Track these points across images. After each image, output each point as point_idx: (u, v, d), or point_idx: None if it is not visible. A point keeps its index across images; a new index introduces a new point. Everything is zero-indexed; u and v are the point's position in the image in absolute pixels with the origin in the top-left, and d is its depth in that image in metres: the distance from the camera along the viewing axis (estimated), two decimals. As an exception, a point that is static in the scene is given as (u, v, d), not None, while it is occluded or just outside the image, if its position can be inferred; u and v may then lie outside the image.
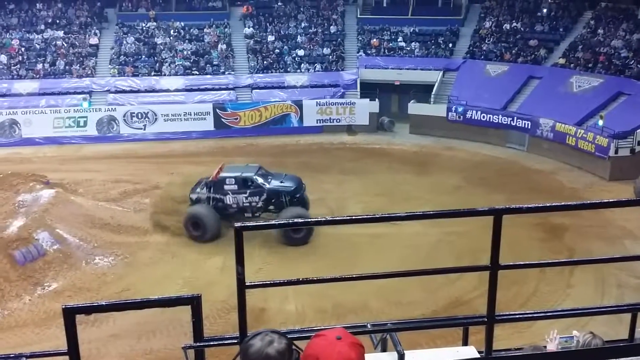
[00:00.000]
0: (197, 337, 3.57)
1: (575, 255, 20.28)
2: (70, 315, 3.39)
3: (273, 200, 22.07)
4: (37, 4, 39.88)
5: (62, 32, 38.66)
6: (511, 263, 3.65)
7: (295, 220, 4.19)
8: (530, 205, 3.49)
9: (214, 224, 21.67)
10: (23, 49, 37.53)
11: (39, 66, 36.43)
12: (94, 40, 38.32)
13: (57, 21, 39.31)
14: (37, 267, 19.85)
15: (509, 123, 32.75)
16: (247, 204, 22.05)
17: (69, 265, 20.33)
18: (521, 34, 37.45)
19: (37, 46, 37.77)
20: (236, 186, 21.98)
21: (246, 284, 3.32)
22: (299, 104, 35.29)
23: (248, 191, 21.98)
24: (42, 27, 38.81)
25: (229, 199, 22.02)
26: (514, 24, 38.06)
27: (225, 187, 21.99)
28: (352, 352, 2.68)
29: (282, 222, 4.00)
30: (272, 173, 23.35)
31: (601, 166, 28.14)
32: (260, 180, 22.24)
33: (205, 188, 22.29)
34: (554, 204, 3.59)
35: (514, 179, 28.03)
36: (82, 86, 35.69)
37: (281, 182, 22.62)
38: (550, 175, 28.98)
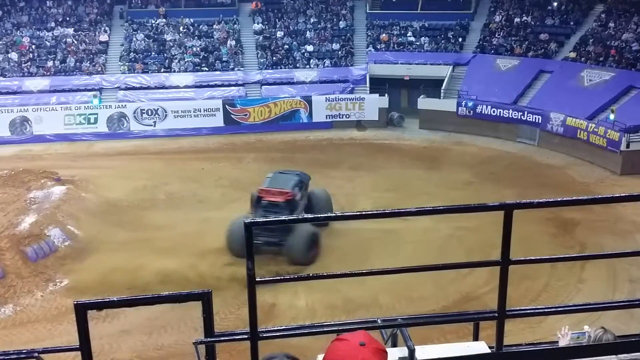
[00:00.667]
0: (207, 332, 3.57)
1: (586, 250, 20.19)
2: (81, 311, 3.41)
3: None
4: (47, 2, 40.04)
5: (72, 29, 38.80)
6: (522, 258, 3.63)
7: (305, 216, 4.22)
8: (541, 200, 3.47)
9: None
10: (34, 46, 37.71)
11: (50, 63, 36.61)
12: (103, 38, 38.46)
13: (67, 19, 39.47)
14: (48, 263, 20.00)
15: (519, 117, 32.59)
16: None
17: (80, 262, 20.45)
18: (531, 28, 37.22)
19: (48, 44, 37.95)
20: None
21: (256, 279, 3.32)
22: (308, 100, 35.28)
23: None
24: (52, 24, 38.97)
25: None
26: (524, 18, 37.84)
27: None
28: (376, 359, 2.63)
29: (293, 217, 4.00)
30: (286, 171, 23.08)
31: (612, 160, 27.97)
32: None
33: (280, 208, 20.55)
34: (565, 199, 3.55)
35: (525, 174, 27.91)
36: (93, 83, 35.84)
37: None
38: (561, 169, 28.84)
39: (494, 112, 33.32)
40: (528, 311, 3.99)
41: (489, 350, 3.80)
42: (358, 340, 2.65)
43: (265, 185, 21.44)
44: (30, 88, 35.17)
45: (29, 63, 36.61)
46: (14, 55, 36.80)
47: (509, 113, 32.91)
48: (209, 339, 3.59)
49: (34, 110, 33.81)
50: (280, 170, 23.19)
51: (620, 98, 30.40)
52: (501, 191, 24.72)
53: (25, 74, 36.16)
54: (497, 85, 34.09)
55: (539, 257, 3.84)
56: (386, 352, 2.72)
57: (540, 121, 31.70)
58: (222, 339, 3.70)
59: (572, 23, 36.62)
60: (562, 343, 4.31)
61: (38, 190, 24.10)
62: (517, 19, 37.93)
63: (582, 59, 33.79)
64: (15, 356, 3.94)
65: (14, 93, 34.97)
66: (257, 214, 20.56)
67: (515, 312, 3.77)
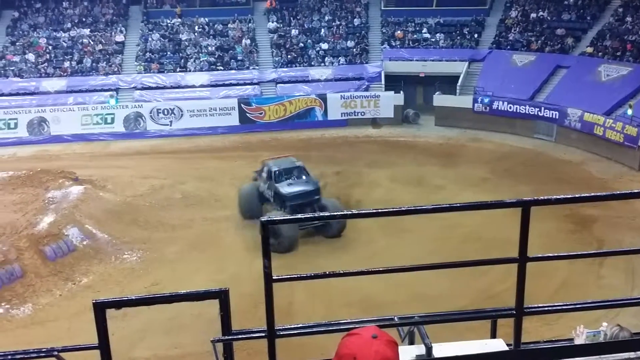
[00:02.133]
0: (225, 330, 3.59)
1: (604, 247, 20.01)
2: (100, 309, 3.43)
3: (280, 200, 22.10)
4: (64, 3, 40.39)
5: (89, 30, 39.11)
6: (540, 255, 3.61)
7: (321, 214, 4.21)
8: (558, 197, 3.44)
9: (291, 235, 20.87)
10: (50, 47, 38.05)
11: (66, 64, 36.91)
12: (119, 38, 38.72)
13: (84, 19, 39.78)
14: (67, 262, 20.16)
15: (536, 113, 32.37)
16: (267, 197, 22.45)
17: (99, 261, 20.62)
18: (548, 23, 36.93)
19: (64, 44, 38.27)
20: (265, 175, 22.71)
21: (273, 277, 3.33)
22: (323, 98, 35.28)
23: (268, 183, 22.41)
24: (69, 25, 39.30)
25: (261, 186, 22.87)
26: (541, 13, 37.54)
27: (262, 174, 22.83)
28: (389, 350, 2.66)
29: (309, 215, 4.00)
30: (300, 175, 22.76)
31: (630, 156, 27.70)
32: (277, 175, 22.31)
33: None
34: (582, 195, 3.53)
35: (542, 170, 27.71)
36: (109, 83, 36.10)
37: (289, 184, 22.17)
38: (578, 165, 28.61)
39: (510, 108, 33.12)
40: (546, 308, 3.97)
41: (506, 348, 3.79)
42: (370, 333, 2.70)
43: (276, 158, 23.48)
44: (47, 89, 35.49)
45: (46, 64, 36.94)
46: (31, 57, 37.16)
47: (525, 109, 32.69)
48: (226, 337, 3.61)
49: (51, 110, 34.11)
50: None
51: (638, 93, 30.05)
52: (518, 188, 24.57)
53: (43, 74, 36.49)
54: (513, 81, 33.87)
55: (556, 254, 3.82)
56: (397, 344, 2.75)
57: (557, 117, 31.46)
58: (240, 337, 3.72)
59: (588, 18, 36.28)
60: (578, 342, 4.28)
61: (56, 190, 24.31)
62: (533, 14, 37.64)
63: (599, 53, 33.47)
64: (35, 355, 3.98)
65: (32, 94, 35.31)
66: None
67: (533, 310, 3.75)
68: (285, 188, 21.64)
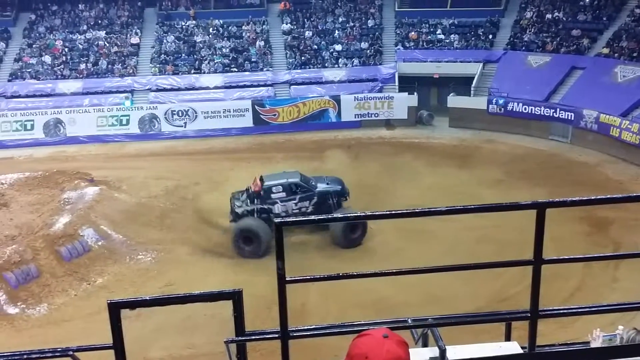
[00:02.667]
0: (238, 331, 3.60)
1: (621, 249, 19.84)
2: (115, 309, 3.46)
3: (322, 204, 21.43)
4: (80, 5, 40.71)
5: (104, 32, 39.40)
6: (555, 257, 3.59)
7: (335, 215, 4.20)
8: (574, 199, 3.43)
9: (268, 236, 20.38)
10: (66, 49, 38.37)
11: (82, 66, 37.20)
12: (135, 40, 38.96)
13: (99, 21, 40.08)
14: (82, 263, 20.32)
15: (551, 115, 32.16)
16: (297, 210, 21.32)
17: (113, 261, 20.76)
18: (563, 24, 36.68)
19: (80, 46, 38.57)
20: (284, 193, 21.30)
21: (286, 278, 3.33)
22: (337, 99, 35.26)
23: (297, 197, 21.37)
24: (85, 27, 39.60)
25: (277, 208, 21.21)
26: (556, 14, 37.29)
27: (273, 195, 21.27)
28: (401, 350, 2.67)
29: (322, 217, 3.98)
30: (312, 177, 22.75)
31: (647, 158, 27.46)
32: (307, 184, 21.73)
33: (248, 200, 21.49)
34: (598, 197, 3.50)
35: (557, 172, 27.52)
36: (124, 85, 36.33)
37: (327, 184, 22.07)
38: (594, 167, 28.38)
39: (525, 109, 32.93)
40: (561, 311, 3.94)
41: (521, 351, 3.76)
42: (381, 333, 2.71)
43: (265, 175, 22.30)
44: (63, 90, 35.77)
45: (62, 66, 37.26)
46: (47, 59, 37.49)
47: (540, 110, 32.48)
48: (240, 338, 3.62)
49: (67, 112, 34.38)
50: (301, 174, 22.68)
51: (655, 94, 29.82)
52: (533, 190, 24.41)
53: (59, 76, 36.80)
54: (528, 82, 33.68)
55: (572, 257, 3.80)
56: (407, 345, 2.76)
57: (572, 118, 31.23)
58: (253, 338, 3.72)
59: (604, 18, 35.98)
60: (594, 346, 4.25)
61: (72, 191, 24.50)
62: (548, 15, 37.41)
63: (616, 54, 33.19)
64: (50, 354, 4.02)
65: (48, 95, 35.61)
66: (239, 197, 21.90)
67: (548, 312, 3.73)
68: (329, 186, 21.88)
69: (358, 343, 2.69)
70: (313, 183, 22.02)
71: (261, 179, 21.83)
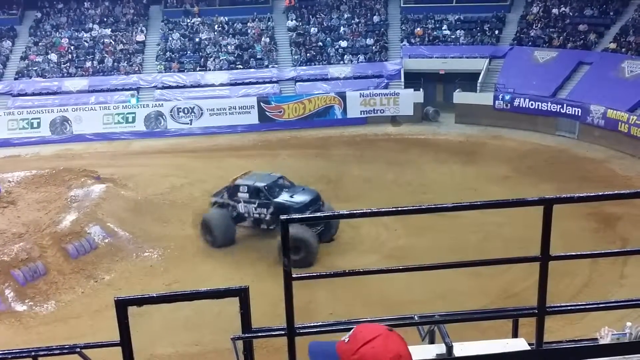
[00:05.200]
0: (245, 328, 3.60)
1: (629, 245, 19.74)
2: (122, 306, 3.46)
3: (279, 215, 20.46)
4: (85, 3, 40.80)
5: (110, 30, 39.49)
6: (562, 254, 3.57)
7: (341, 212, 4.11)
8: (581, 195, 3.40)
9: (223, 231, 20.89)
10: (72, 47, 38.47)
11: (88, 64, 37.30)
12: (140, 38, 39.02)
13: (105, 19, 40.16)
14: (89, 260, 20.39)
15: (558, 110, 32.02)
16: (257, 215, 20.97)
17: (120, 258, 20.82)
18: (570, 19, 36.52)
19: (86, 44, 38.67)
20: (247, 195, 20.98)
21: (293, 275, 3.32)
22: (342, 96, 35.23)
23: (257, 201, 20.79)
24: (90, 25, 39.70)
25: (241, 207, 21.15)
26: (563, 9, 37.14)
27: (239, 194, 21.16)
28: (403, 343, 2.63)
29: (328, 214, 3.95)
30: (289, 185, 21.70)
31: (655, 153, 27.33)
32: (269, 191, 20.83)
33: (225, 194, 21.68)
34: (606, 193, 3.48)
35: (564, 168, 27.43)
36: (130, 83, 36.41)
37: (291, 196, 20.89)
38: (601, 163, 28.27)
39: (532, 105, 32.81)
40: (569, 307, 3.92)
41: (528, 347, 3.75)
42: (382, 329, 2.63)
43: (251, 172, 22.36)
44: (69, 88, 35.89)
45: (68, 64, 37.36)
46: (53, 57, 37.60)
47: (547, 106, 32.36)
48: (246, 335, 3.62)
49: (73, 110, 34.49)
50: (282, 178, 21.99)
51: (662, 89, 29.67)
52: (540, 186, 24.34)
53: (65, 74, 36.92)
54: (535, 77, 33.56)
55: (579, 253, 3.78)
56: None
57: (579, 114, 31.11)
58: (260, 334, 3.72)
59: (611, 13, 35.81)
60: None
61: (78, 188, 24.58)
62: (554, 10, 37.26)
63: (623, 49, 33.03)
64: (58, 351, 4.02)
65: (54, 93, 35.74)
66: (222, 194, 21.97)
67: (556, 309, 3.71)
68: (291, 200, 20.62)
69: (379, 348, 2.55)
70: (281, 191, 21.03)
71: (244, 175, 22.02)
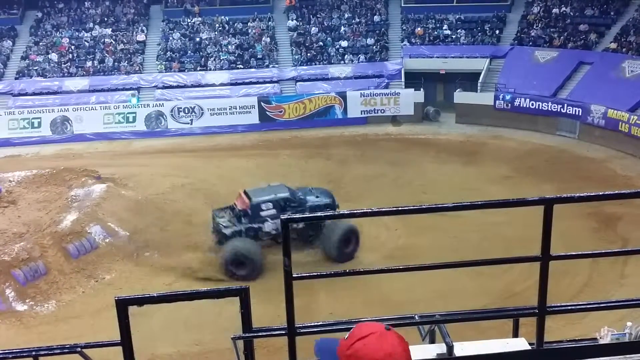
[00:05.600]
0: (245, 327, 3.60)
1: (629, 245, 19.73)
2: (123, 306, 3.47)
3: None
4: (86, 3, 40.81)
5: (110, 29, 39.48)
6: (563, 254, 3.57)
7: (342, 212, 4.10)
8: (582, 195, 3.41)
9: (260, 257, 19.08)
10: (73, 47, 38.47)
11: (89, 64, 37.30)
12: (141, 37, 39.02)
13: (105, 19, 40.16)
14: (90, 260, 20.37)
15: (559, 110, 32.02)
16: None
17: (121, 258, 20.80)
18: (570, 19, 36.52)
19: (87, 44, 38.67)
20: (274, 210, 19.47)
21: (293, 275, 3.33)
22: (343, 96, 35.22)
23: (288, 213, 18.92)
24: (91, 25, 39.70)
25: (267, 226, 19.57)
26: (563, 9, 37.14)
27: (262, 213, 19.57)
28: (403, 343, 2.64)
29: (328, 214, 3.94)
30: (298, 190, 21.09)
31: (656, 153, 27.33)
32: (296, 198, 20.07)
33: (235, 219, 19.90)
34: (606, 193, 3.49)
35: (565, 168, 27.43)
36: (131, 82, 36.41)
37: (317, 196, 20.48)
38: (602, 163, 28.26)
39: (532, 105, 32.81)
40: (569, 307, 3.93)
41: (529, 347, 3.75)
42: (379, 327, 2.65)
43: (249, 190, 20.45)
44: (70, 88, 35.89)
45: (68, 63, 37.36)
46: (54, 56, 37.60)
47: (548, 106, 32.36)
48: (247, 334, 3.63)
49: (74, 109, 34.48)
50: (290, 186, 21.23)
51: (663, 89, 29.66)
52: (540, 185, 24.33)
53: (65, 74, 36.92)
54: (535, 77, 33.56)
55: (580, 253, 3.79)
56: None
57: (580, 114, 31.11)
58: (260, 334, 3.73)
59: (612, 13, 35.81)
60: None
61: (79, 188, 24.57)
62: (555, 10, 37.25)
63: (623, 49, 33.03)
64: (58, 351, 4.03)
65: (55, 93, 35.72)
66: (223, 215, 20.32)
67: (556, 308, 3.72)
68: (319, 200, 20.22)
69: (367, 343, 2.59)
70: (301, 196, 20.37)
71: (247, 195, 20.11)
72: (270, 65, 37.36)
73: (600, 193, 3.49)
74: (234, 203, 20.52)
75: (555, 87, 33.08)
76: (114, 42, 38.61)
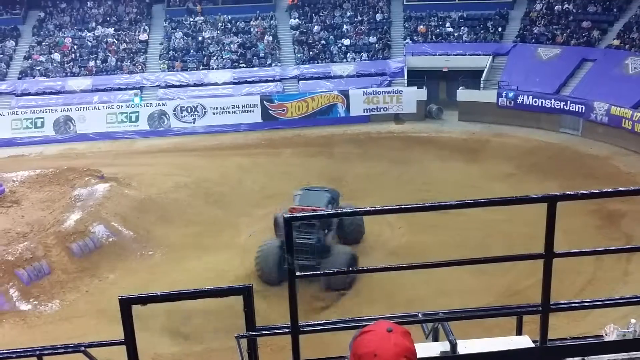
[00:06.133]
0: (249, 326, 3.60)
1: (632, 242, 19.72)
2: (126, 305, 3.47)
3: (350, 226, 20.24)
4: (88, 3, 40.83)
5: (113, 29, 39.50)
6: (566, 251, 3.57)
7: (345, 210, 4.12)
8: (585, 192, 3.40)
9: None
10: (75, 46, 38.50)
11: (91, 63, 37.32)
12: (143, 37, 39.04)
13: (108, 19, 40.18)
14: (93, 259, 20.43)
15: (562, 107, 31.97)
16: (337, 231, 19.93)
17: (124, 257, 20.84)
18: (573, 16, 36.43)
19: (89, 44, 38.70)
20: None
21: (296, 273, 3.33)
22: (345, 94, 35.20)
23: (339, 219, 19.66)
24: (93, 25, 39.73)
25: (331, 236, 19.54)
26: (566, 6, 37.04)
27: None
28: (406, 341, 2.63)
29: (331, 212, 3.95)
30: (314, 188, 21.15)
31: (659, 150, 27.27)
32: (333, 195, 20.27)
33: (307, 228, 18.50)
34: (610, 190, 3.48)
35: (568, 165, 27.39)
36: (133, 82, 36.43)
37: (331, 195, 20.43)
38: (605, 160, 28.21)
39: (535, 102, 32.75)
40: (573, 305, 3.92)
41: (532, 345, 3.74)
42: (384, 327, 2.64)
43: (296, 203, 19.59)
44: (73, 88, 35.92)
45: (71, 63, 37.39)
46: (56, 56, 37.63)
47: (551, 103, 32.30)
48: (250, 333, 3.62)
49: (77, 109, 34.52)
50: (309, 186, 21.55)
51: (666, 85, 29.58)
52: (544, 183, 24.31)
53: (68, 74, 36.94)
54: (538, 75, 33.49)
55: (583, 250, 3.77)
56: (410, 334, 2.70)
57: (583, 111, 31.04)
58: (264, 333, 3.72)
59: (615, 10, 35.71)
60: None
61: (82, 187, 24.62)
62: (558, 7, 37.16)
63: (626, 46, 32.94)
64: (62, 350, 4.04)
65: (58, 93, 35.76)
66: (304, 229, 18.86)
67: (560, 306, 3.71)
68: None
69: (363, 341, 2.62)
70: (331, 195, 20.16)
71: (302, 201, 19.45)
72: (273, 64, 37.35)
73: (604, 190, 3.48)
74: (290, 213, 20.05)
75: (558, 84, 33.01)
76: (116, 42, 38.63)
